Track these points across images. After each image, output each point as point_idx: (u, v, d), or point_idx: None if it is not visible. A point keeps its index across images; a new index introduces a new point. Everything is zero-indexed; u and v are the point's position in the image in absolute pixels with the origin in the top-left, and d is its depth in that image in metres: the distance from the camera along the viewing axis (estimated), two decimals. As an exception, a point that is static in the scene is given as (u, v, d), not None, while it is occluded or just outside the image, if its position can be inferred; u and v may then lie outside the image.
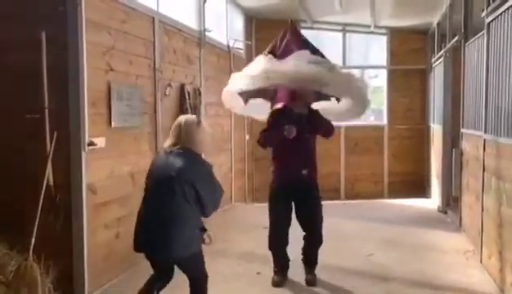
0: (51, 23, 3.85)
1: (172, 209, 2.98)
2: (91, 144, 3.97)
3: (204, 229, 3.23)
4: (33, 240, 3.70)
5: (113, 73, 4.38)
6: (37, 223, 3.75)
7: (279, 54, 4.21)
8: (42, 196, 3.82)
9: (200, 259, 3.21)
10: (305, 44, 4.34)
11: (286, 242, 4.35)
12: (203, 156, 3.29)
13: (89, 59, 3.97)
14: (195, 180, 3.01)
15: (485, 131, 4.61)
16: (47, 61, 3.83)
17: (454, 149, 6.58)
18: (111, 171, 4.34)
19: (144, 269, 4.24)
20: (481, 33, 4.90)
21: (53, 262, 3.78)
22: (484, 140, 4.64)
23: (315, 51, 4.30)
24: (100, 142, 4.09)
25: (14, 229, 3.86)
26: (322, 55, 4.31)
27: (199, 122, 3.22)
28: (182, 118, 3.26)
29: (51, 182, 3.92)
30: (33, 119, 3.88)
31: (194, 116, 3.38)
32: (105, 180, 4.25)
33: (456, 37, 6.31)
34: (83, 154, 3.93)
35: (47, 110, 3.86)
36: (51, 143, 3.89)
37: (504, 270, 3.98)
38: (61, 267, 3.86)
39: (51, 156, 3.88)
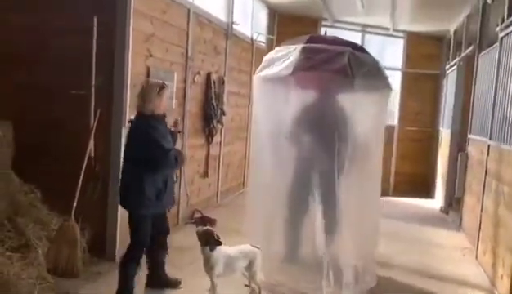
0: (102, 10, 4.26)
1: (126, 170, 3.52)
2: (130, 121, 4.37)
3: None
4: (74, 204, 4.15)
5: (152, 59, 4.78)
6: (78, 190, 4.20)
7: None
8: (84, 166, 4.26)
9: (138, 225, 3.51)
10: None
11: None
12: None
13: (133, 45, 4.36)
14: (134, 143, 3.44)
15: (490, 138, 4.97)
16: (96, 44, 4.24)
17: (460, 153, 6.93)
18: (145, 148, 4.76)
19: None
20: (494, 46, 5.23)
21: (88, 225, 4.25)
22: (488, 145, 5.00)
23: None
24: (138, 121, 4.49)
25: (56, 194, 4.32)
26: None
27: (161, 88, 3.46)
28: (143, 84, 3.64)
29: (93, 154, 4.35)
30: (80, 96, 4.31)
31: (157, 81, 3.63)
32: (139, 155, 4.67)
33: (471, 47, 6.63)
34: (123, 131, 4.33)
35: (93, 89, 4.28)
36: (94, 118, 4.32)
37: (496, 265, 4.37)
38: (95, 231, 4.31)
39: (94, 130, 4.31)
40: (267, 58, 4.55)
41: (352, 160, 4.27)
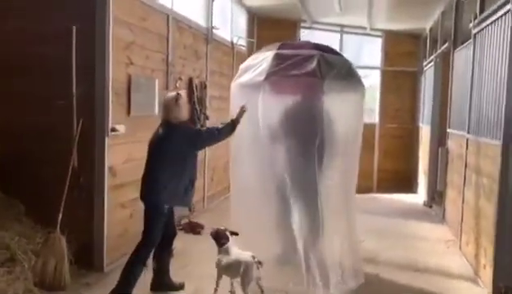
0: (81, 19, 4.24)
1: (153, 167, 3.80)
2: (113, 130, 4.37)
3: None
4: (60, 216, 4.10)
5: (132, 67, 4.77)
6: (63, 201, 4.15)
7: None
8: (68, 177, 4.22)
9: (152, 218, 3.74)
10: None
11: None
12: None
13: (113, 53, 4.35)
14: (169, 145, 3.73)
15: (468, 132, 5.10)
16: (76, 54, 4.22)
17: (440, 148, 7.08)
18: (129, 156, 4.74)
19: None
20: (468, 42, 5.37)
21: (75, 237, 4.20)
22: (467, 139, 5.13)
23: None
24: (121, 129, 4.48)
25: (40, 206, 4.28)
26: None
27: (177, 99, 3.86)
28: (163, 98, 4.01)
29: (76, 164, 4.31)
30: (62, 106, 4.27)
31: (173, 94, 3.96)
32: (123, 163, 4.66)
33: (447, 44, 6.79)
34: (107, 139, 4.32)
35: (74, 98, 4.25)
36: (77, 128, 4.29)
37: (479, 255, 4.48)
38: (82, 241, 4.27)
39: (76, 140, 4.28)
40: (242, 66, 4.70)
41: (332, 159, 4.36)
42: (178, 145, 3.74)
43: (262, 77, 4.21)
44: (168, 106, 3.85)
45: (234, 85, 4.60)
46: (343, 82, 4.29)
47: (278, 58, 4.29)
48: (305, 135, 4.30)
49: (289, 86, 4.41)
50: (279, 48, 4.45)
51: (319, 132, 4.24)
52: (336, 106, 4.37)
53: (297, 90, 4.48)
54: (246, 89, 4.40)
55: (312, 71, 4.14)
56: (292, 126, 4.37)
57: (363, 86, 4.57)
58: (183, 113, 3.92)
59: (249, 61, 4.63)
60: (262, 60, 4.37)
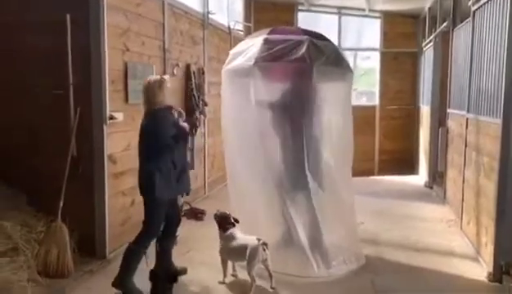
0: (75, 7, 4.19)
1: (141, 161, 3.69)
2: (111, 117, 4.36)
3: None
4: (61, 204, 4.12)
5: (129, 54, 4.74)
6: (63, 190, 4.17)
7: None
8: (67, 167, 4.22)
9: (151, 209, 3.69)
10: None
11: None
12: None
13: (108, 40, 4.31)
14: (150, 134, 3.64)
15: (468, 111, 5.07)
16: (71, 42, 4.19)
17: (440, 128, 7.05)
18: (128, 144, 4.73)
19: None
20: (467, 20, 5.31)
21: (76, 225, 4.23)
22: (467, 118, 5.11)
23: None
24: (119, 116, 4.47)
25: (41, 196, 4.30)
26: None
27: (161, 83, 3.72)
28: (145, 81, 3.82)
29: (75, 153, 4.31)
30: (59, 95, 4.26)
31: (157, 77, 3.86)
32: (122, 151, 4.65)
33: (446, 23, 6.72)
34: (105, 128, 4.31)
35: (71, 87, 4.23)
36: (74, 117, 4.28)
37: (480, 234, 4.50)
38: (83, 230, 4.30)
39: (75, 129, 4.27)
40: (232, 52, 4.66)
41: (324, 144, 4.42)
42: (161, 131, 3.61)
43: (251, 62, 4.19)
44: (152, 90, 3.68)
45: (224, 71, 4.58)
46: (333, 67, 4.33)
47: (268, 43, 4.27)
48: (296, 120, 4.31)
49: (279, 71, 4.41)
50: (269, 33, 4.42)
51: (309, 117, 4.25)
52: (325, 91, 4.39)
53: (286, 75, 4.47)
54: (236, 74, 4.38)
55: (302, 56, 4.14)
56: (283, 110, 4.36)
57: (352, 72, 4.64)
58: (167, 98, 3.77)
59: (239, 47, 4.60)
60: (252, 45, 4.35)
